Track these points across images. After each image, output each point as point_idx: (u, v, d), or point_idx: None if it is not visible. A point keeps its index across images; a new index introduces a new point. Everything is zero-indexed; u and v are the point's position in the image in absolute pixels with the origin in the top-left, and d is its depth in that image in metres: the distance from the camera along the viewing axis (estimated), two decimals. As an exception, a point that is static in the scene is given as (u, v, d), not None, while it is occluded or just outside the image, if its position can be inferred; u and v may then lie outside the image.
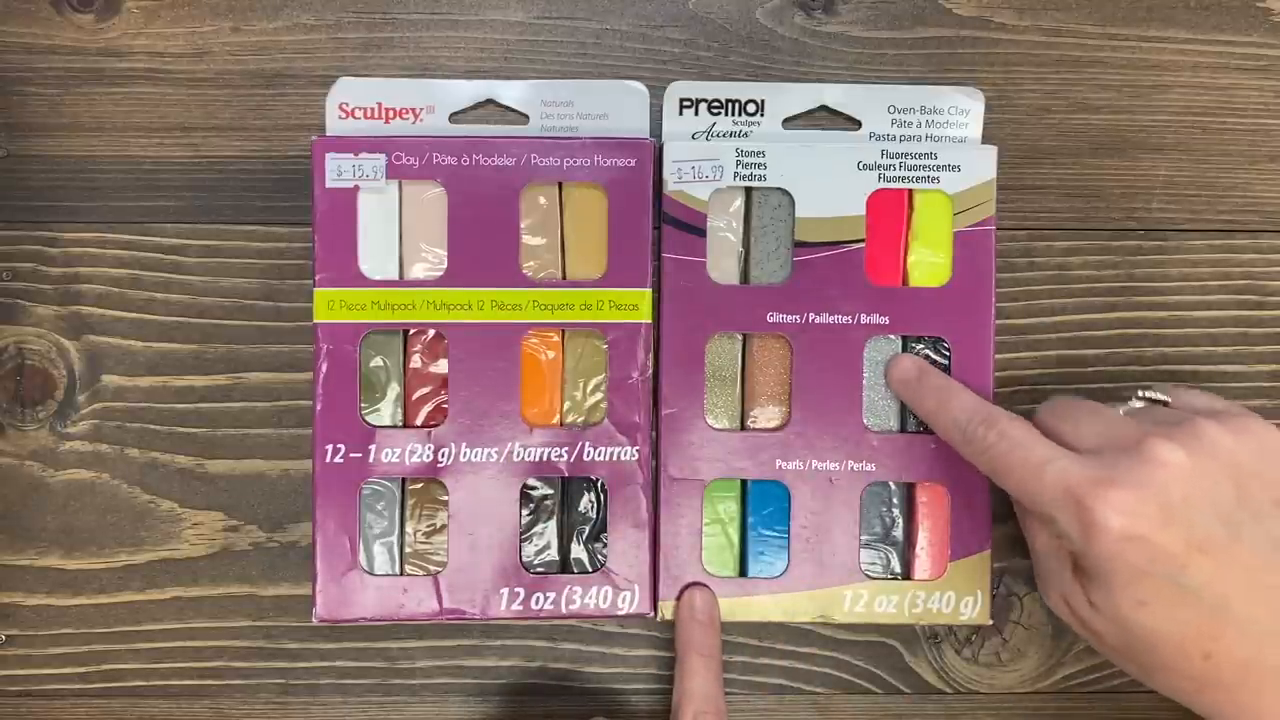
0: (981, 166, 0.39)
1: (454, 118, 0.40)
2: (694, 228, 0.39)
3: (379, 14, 0.40)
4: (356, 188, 0.38)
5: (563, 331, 0.39)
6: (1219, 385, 0.41)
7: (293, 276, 0.40)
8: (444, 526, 0.39)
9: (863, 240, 0.39)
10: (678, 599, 0.39)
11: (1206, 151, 0.41)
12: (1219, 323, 0.41)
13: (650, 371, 0.39)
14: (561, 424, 0.39)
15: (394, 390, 0.39)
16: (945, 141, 0.40)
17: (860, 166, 0.39)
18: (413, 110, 0.40)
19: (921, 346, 0.39)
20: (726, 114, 0.40)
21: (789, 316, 0.39)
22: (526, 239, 0.39)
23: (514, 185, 0.39)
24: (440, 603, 0.38)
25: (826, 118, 0.40)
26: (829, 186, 0.39)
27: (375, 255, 0.39)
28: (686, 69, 0.40)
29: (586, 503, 0.40)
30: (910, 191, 0.39)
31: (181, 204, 0.40)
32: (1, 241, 0.40)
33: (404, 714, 0.41)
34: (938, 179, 0.39)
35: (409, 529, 0.39)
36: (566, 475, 0.39)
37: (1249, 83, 0.41)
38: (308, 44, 0.40)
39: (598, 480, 0.39)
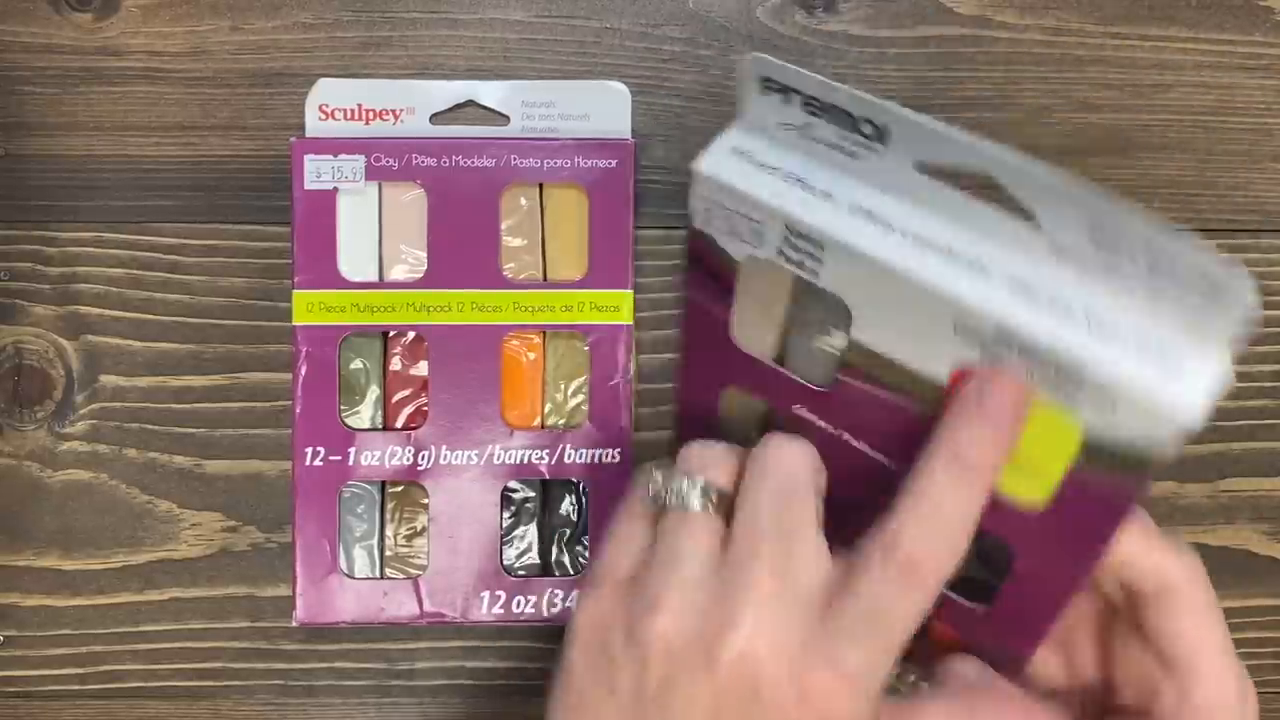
0: (1156, 423, 0.22)
1: (434, 119, 0.40)
2: (721, 281, 0.28)
3: (378, 13, 0.40)
4: (335, 189, 0.38)
5: (543, 333, 0.39)
6: (1220, 385, 0.41)
7: (291, 276, 0.40)
8: (424, 529, 0.39)
9: (933, 410, 0.26)
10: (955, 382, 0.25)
11: (1208, 151, 0.41)
12: (1220, 323, 0.41)
13: (632, 374, 0.39)
14: (543, 426, 0.39)
15: (374, 393, 0.39)
16: (1152, 324, 0.23)
17: (960, 330, 0.24)
18: (393, 111, 0.39)
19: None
20: (831, 122, 0.26)
21: (819, 421, 0.29)
22: (507, 240, 0.39)
23: (494, 186, 0.38)
24: (421, 606, 0.38)
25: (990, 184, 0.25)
26: (906, 331, 0.26)
27: (355, 257, 0.39)
28: (688, 68, 0.40)
29: (568, 505, 0.39)
30: None
31: (180, 204, 0.40)
32: (-1, 241, 0.40)
33: (403, 715, 0.41)
34: (1078, 399, 0.23)
35: (389, 532, 0.39)
36: (547, 477, 0.39)
37: (1250, 82, 0.41)
38: (307, 43, 0.40)
39: (579, 483, 0.39)
